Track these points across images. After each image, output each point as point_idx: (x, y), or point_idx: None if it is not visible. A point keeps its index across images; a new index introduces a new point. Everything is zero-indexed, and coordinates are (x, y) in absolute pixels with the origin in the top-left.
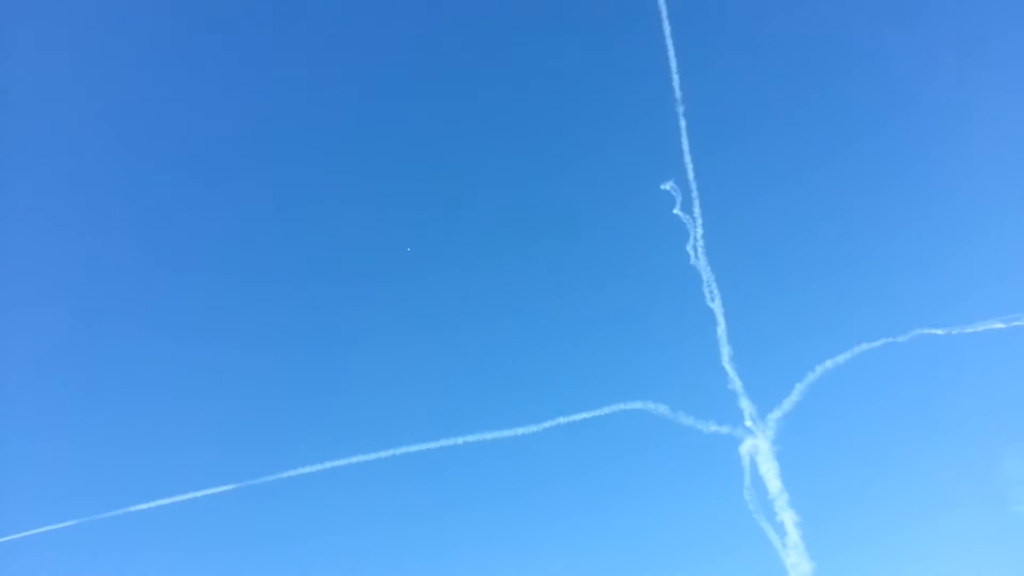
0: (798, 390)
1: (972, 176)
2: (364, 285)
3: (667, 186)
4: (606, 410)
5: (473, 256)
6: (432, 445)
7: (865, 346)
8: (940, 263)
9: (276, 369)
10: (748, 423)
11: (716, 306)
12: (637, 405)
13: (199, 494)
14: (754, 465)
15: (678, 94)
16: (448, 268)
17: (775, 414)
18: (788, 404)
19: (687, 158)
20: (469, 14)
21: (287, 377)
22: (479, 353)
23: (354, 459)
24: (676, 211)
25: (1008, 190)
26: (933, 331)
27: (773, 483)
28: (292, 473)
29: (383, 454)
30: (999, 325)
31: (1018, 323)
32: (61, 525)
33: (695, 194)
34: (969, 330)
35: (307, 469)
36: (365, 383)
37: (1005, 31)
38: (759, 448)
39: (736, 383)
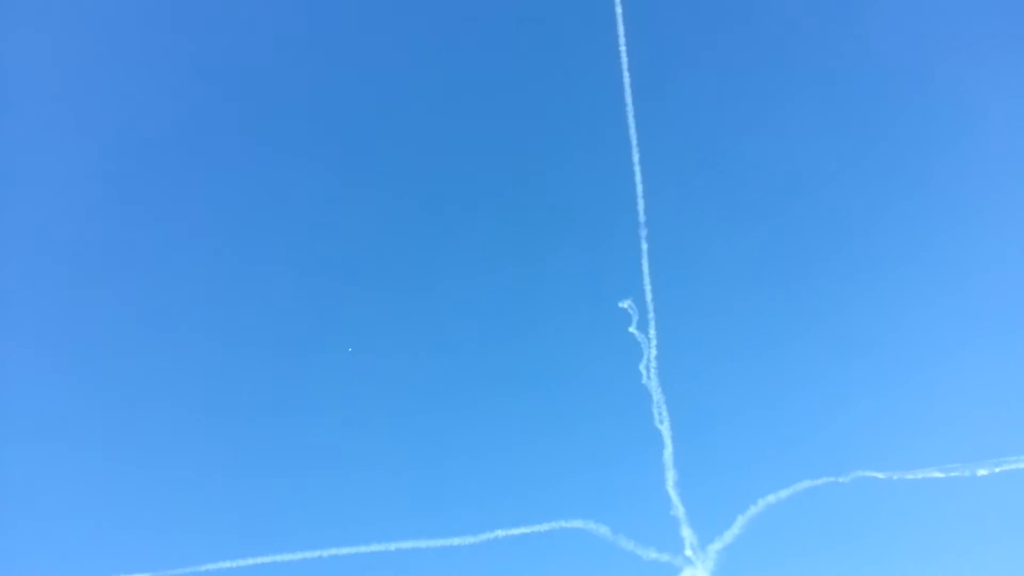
0: (739, 522)
1: (917, 330)
2: (305, 380)
3: (625, 304)
4: (545, 526)
5: (420, 357)
6: (362, 549)
7: (808, 483)
8: (887, 409)
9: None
10: (688, 552)
11: (664, 429)
12: (578, 524)
13: None
14: None
15: (642, 217)
16: (391, 367)
17: (715, 545)
18: (729, 536)
19: (646, 280)
20: (421, 144)
21: (214, 468)
22: (419, 454)
23: (278, 557)
24: (632, 329)
25: (951, 342)
26: (874, 474)
27: None
28: (212, 566)
29: (310, 555)
30: (938, 474)
31: (955, 473)
32: None
33: (651, 315)
34: (908, 476)
35: (228, 564)
36: (294, 480)
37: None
38: None
39: (679, 509)
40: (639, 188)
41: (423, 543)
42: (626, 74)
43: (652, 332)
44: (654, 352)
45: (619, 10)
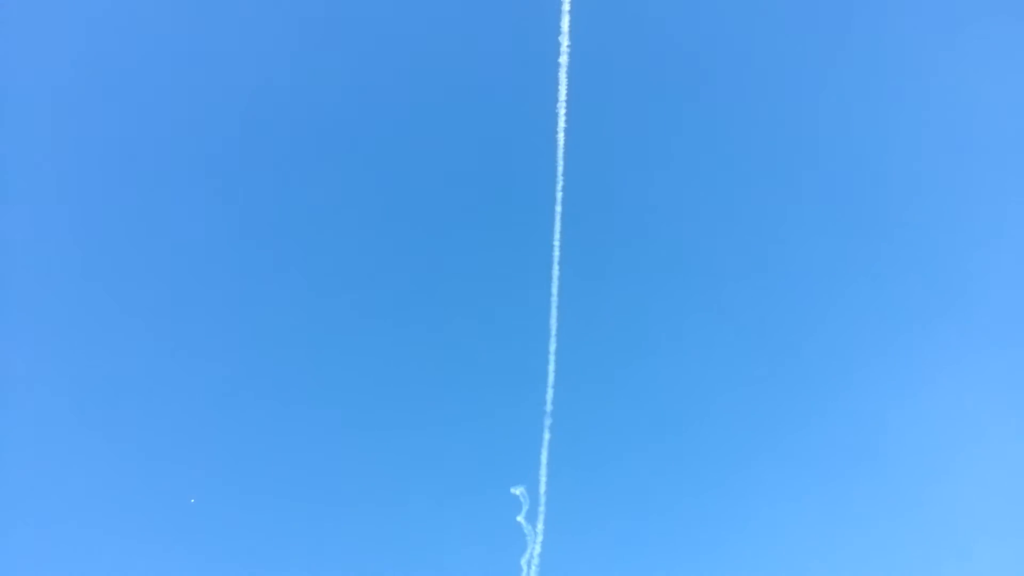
0: None
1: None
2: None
3: (517, 491)
4: None
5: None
6: None
7: None
8: None
9: None
10: None
11: None
12: None
13: None
14: None
15: (549, 407)
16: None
17: None
18: None
19: (543, 470)
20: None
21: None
22: None
23: None
24: (520, 519)
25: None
26: None
27: None
28: None
29: None
30: None
31: None
32: None
33: (542, 508)
34: None
35: None
36: None
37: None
38: None
39: None
40: (551, 377)
41: None
42: (556, 249)
43: (540, 526)
44: (538, 548)
45: (560, 169)
